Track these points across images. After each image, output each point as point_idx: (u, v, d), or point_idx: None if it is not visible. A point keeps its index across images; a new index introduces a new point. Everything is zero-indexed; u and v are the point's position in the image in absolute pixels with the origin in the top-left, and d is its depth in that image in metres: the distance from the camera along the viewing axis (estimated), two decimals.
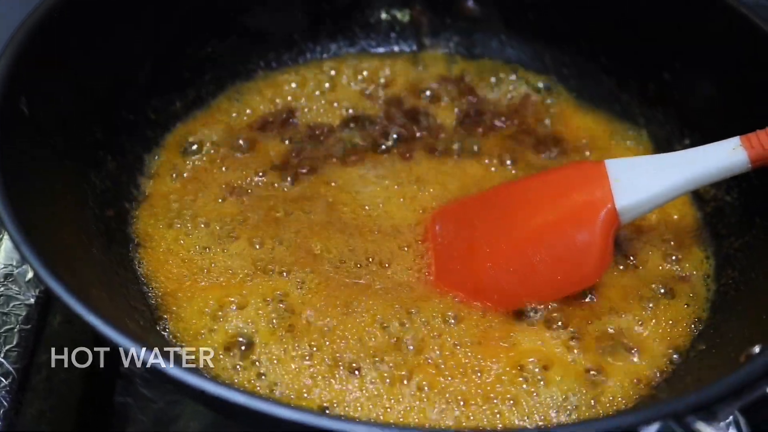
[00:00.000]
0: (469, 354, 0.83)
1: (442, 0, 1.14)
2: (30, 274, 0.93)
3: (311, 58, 1.14)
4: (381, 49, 1.16)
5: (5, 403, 0.83)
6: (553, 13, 1.10)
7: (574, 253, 0.87)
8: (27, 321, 0.89)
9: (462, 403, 0.80)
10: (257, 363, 0.82)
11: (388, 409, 0.80)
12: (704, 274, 0.93)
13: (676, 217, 0.97)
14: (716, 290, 0.91)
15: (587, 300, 0.88)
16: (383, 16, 1.15)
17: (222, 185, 0.99)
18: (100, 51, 0.94)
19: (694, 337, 0.87)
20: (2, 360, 0.86)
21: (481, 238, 0.91)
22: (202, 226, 0.94)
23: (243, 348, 0.83)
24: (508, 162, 1.03)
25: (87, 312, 0.67)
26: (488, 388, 0.81)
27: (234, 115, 1.07)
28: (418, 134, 1.06)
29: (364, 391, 0.81)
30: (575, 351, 0.84)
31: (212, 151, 1.02)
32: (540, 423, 0.79)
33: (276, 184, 0.99)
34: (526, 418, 0.79)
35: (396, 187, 0.99)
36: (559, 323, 0.86)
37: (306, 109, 1.08)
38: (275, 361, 0.82)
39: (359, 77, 1.12)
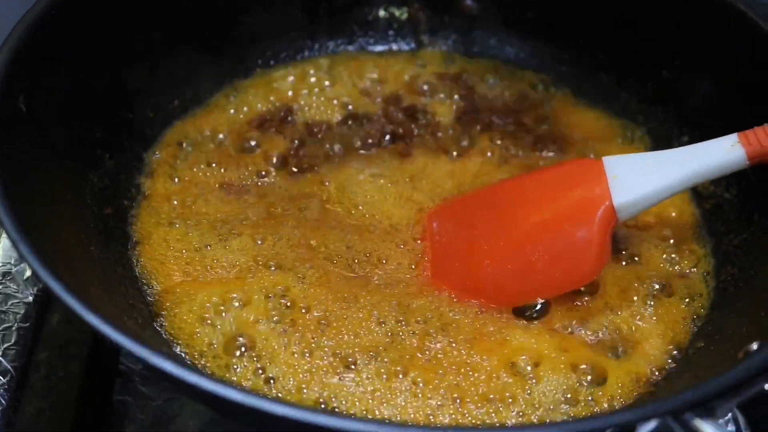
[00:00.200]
0: (465, 351, 0.83)
1: None
2: (28, 273, 0.93)
3: (309, 56, 1.14)
4: (379, 47, 1.16)
5: (4, 402, 0.83)
6: (551, 11, 1.10)
7: (572, 251, 0.87)
8: (25, 319, 0.89)
9: (458, 399, 0.80)
10: (255, 359, 0.82)
11: (384, 404, 0.80)
12: (703, 271, 0.93)
13: (674, 214, 0.97)
14: (715, 287, 0.91)
15: (585, 297, 0.88)
16: (381, 13, 1.15)
17: (220, 183, 0.99)
18: (99, 49, 0.94)
19: (692, 334, 0.87)
20: (1, 358, 0.86)
21: (478, 236, 0.91)
22: (201, 223, 0.94)
23: (241, 344, 0.83)
24: (506, 160, 1.03)
25: (85, 310, 0.66)
26: (484, 385, 0.81)
27: (232, 112, 1.07)
28: (416, 132, 1.06)
29: (360, 387, 0.81)
30: (572, 348, 0.84)
31: (210, 150, 1.02)
32: (536, 420, 0.79)
33: (274, 182, 0.99)
34: (521, 414, 0.79)
35: (394, 184, 0.99)
36: (556, 321, 0.86)
37: (304, 107, 1.08)
38: (273, 357, 0.82)
39: (357, 75, 1.12)
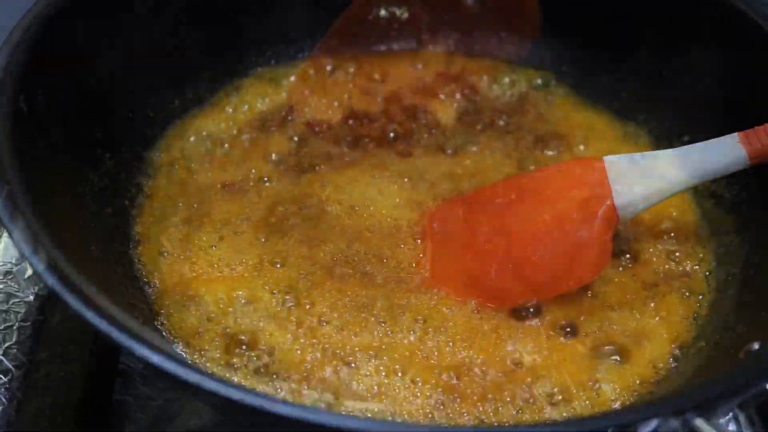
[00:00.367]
0: (464, 350, 0.83)
1: None
2: (29, 272, 0.93)
3: (310, 55, 1.13)
4: (380, 47, 1.16)
5: (4, 401, 0.83)
6: (552, 10, 1.10)
7: (573, 250, 0.87)
8: (26, 318, 0.89)
9: (457, 398, 0.80)
10: (255, 358, 0.82)
11: (383, 402, 0.80)
12: (704, 270, 0.92)
13: (675, 213, 0.97)
14: (716, 287, 0.91)
15: (586, 296, 0.88)
16: (382, 13, 1.15)
17: (221, 183, 0.99)
18: (99, 49, 0.94)
19: (693, 333, 0.87)
20: (2, 357, 0.86)
21: (478, 236, 0.91)
22: (202, 223, 0.94)
23: (242, 343, 0.83)
24: (507, 159, 1.03)
25: (87, 310, 0.66)
26: (482, 384, 0.81)
27: (231, 112, 1.07)
28: (416, 132, 1.06)
29: (360, 384, 0.81)
30: (572, 348, 0.84)
31: (211, 149, 1.02)
32: (536, 419, 0.79)
33: (275, 182, 0.99)
34: (519, 413, 0.79)
35: (395, 184, 0.99)
36: (556, 321, 0.86)
37: (305, 107, 1.08)
38: (274, 355, 0.82)
39: (358, 74, 1.12)
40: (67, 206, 0.86)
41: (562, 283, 0.87)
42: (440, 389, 0.80)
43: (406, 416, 0.79)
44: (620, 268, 0.92)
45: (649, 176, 0.86)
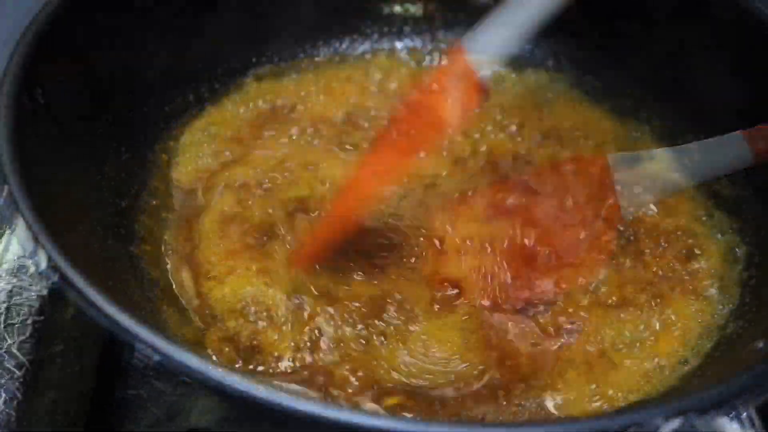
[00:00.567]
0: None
1: None
2: (43, 266, 0.92)
3: (324, 53, 1.14)
4: (392, 44, 1.16)
5: (18, 395, 0.83)
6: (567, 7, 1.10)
7: (574, 250, 0.86)
8: (40, 312, 0.89)
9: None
10: (258, 357, 0.83)
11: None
12: (705, 270, 0.92)
13: (675, 213, 0.97)
14: (732, 286, 0.91)
15: (598, 295, 0.89)
16: (396, 9, 1.15)
17: (231, 179, 0.99)
18: (115, 44, 0.94)
19: (695, 333, 0.87)
20: (15, 351, 0.86)
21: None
22: (213, 219, 0.94)
23: (247, 341, 0.83)
24: (510, 156, 1.03)
25: (107, 304, 0.66)
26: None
27: (243, 110, 1.07)
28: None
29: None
30: (587, 346, 0.85)
31: (223, 146, 1.03)
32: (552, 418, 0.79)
33: (280, 180, 0.99)
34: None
35: (396, 183, 0.99)
36: (567, 320, 0.87)
37: (310, 104, 1.08)
38: (274, 355, 0.82)
39: (369, 72, 1.12)
40: (83, 199, 0.86)
41: (564, 282, 0.87)
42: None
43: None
44: (633, 269, 0.92)
45: (651, 175, 0.85)
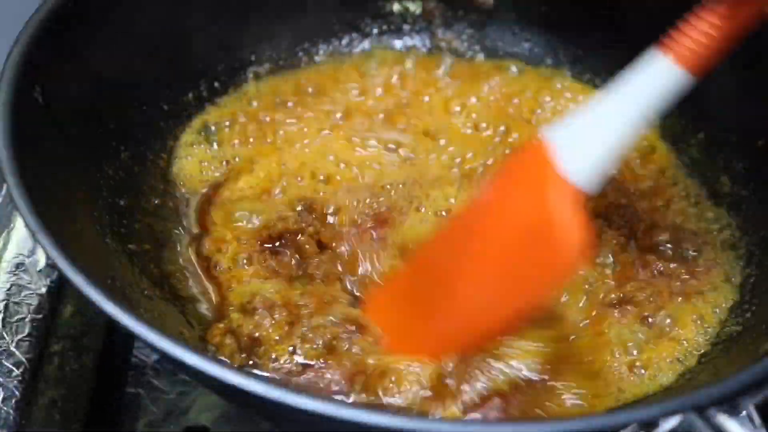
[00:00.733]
0: None
1: None
2: (42, 264, 0.92)
3: (323, 51, 1.13)
4: (391, 42, 1.15)
5: (17, 393, 0.83)
6: (565, 5, 1.10)
7: (542, 245, 0.76)
8: (39, 311, 0.89)
9: None
10: (258, 356, 0.82)
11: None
12: (718, 268, 0.91)
13: (675, 214, 0.96)
14: (736, 285, 0.90)
15: (596, 294, 0.88)
16: (396, 7, 1.15)
17: (231, 180, 0.99)
18: (114, 41, 0.94)
19: (696, 333, 0.86)
20: (14, 350, 0.86)
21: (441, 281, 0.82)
22: (210, 220, 0.94)
23: (248, 344, 0.83)
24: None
25: (106, 303, 0.66)
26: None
27: (242, 109, 1.06)
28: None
29: None
30: (584, 345, 0.85)
31: (223, 145, 1.02)
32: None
33: (281, 179, 0.99)
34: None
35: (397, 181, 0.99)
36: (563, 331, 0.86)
37: (309, 103, 1.07)
38: (274, 351, 0.82)
39: (369, 70, 1.12)
40: (82, 198, 0.86)
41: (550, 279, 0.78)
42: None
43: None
44: (620, 268, 0.91)
45: (594, 129, 0.75)
